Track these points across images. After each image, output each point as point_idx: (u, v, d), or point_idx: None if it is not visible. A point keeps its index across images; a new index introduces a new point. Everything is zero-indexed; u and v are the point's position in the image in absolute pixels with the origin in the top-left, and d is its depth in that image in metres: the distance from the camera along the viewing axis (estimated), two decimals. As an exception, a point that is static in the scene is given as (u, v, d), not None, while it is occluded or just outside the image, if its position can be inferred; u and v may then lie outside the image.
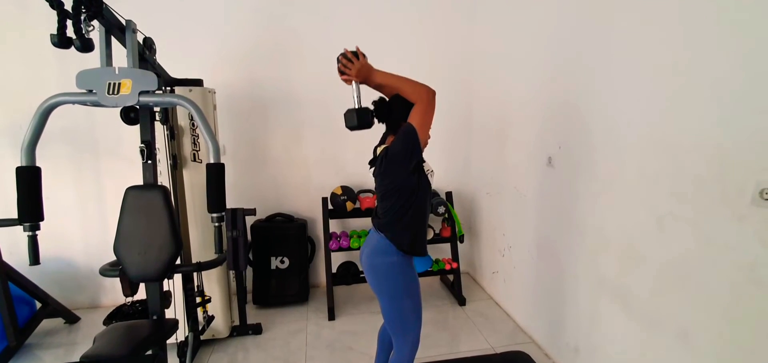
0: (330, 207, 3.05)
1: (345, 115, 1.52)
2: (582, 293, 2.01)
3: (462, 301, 3.00)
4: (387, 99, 1.57)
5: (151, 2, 2.72)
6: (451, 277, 3.15)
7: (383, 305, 1.58)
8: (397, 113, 1.51)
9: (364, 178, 3.29)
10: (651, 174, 1.58)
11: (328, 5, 3.01)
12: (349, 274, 2.96)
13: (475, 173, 3.34)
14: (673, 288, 1.49)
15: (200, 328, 2.18)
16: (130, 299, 2.02)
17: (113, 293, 2.99)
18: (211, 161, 1.73)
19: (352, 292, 3.20)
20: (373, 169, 1.62)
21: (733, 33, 1.25)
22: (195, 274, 2.15)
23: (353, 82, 1.49)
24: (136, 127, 1.90)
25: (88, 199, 2.88)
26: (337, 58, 1.50)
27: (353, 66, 1.44)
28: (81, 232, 2.89)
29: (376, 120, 1.55)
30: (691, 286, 1.41)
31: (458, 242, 3.09)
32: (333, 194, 3.03)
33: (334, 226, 3.27)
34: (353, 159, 3.26)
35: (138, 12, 1.77)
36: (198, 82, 2.35)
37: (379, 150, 1.58)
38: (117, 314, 2.52)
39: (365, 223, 3.27)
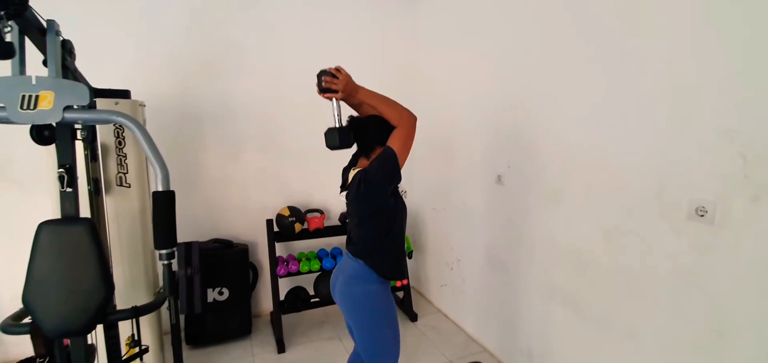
0: (275, 229, 2.85)
1: (326, 134, 1.46)
2: (534, 301, 2.17)
3: (413, 317, 3.04)
4: (361, 119, 1.53)
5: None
6: (401, 293, 3.17)
7: (360, 335, 1.51)
8: (373, 134, 1.49)
9: (309, 196, 3.16)
10: (597, 191, 1.78)
11: (270, 15, 2.85)
12: (298, 301, 2.79)
13: (419, 189, 3.43)
14: (620, 293, 1.69)
15: (136, 384, 1.85)
16: (41, 360, 1.63)
17: (0, 347, 2.40)
18: (160, 189, 1.50)
19: (300, 319, 3.02)
20: (344, 193, 1.55)
21: (668, 70, 1.48)
22: (132, 321, 1.81)
23: (334, 99, 1.44)
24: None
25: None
26: (318, 76, 1.43)
27: (340, 81, 1.39)
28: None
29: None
30: (637, 290, 1.62)
31: (407, 258, 3.12)
32: (279, 215, 2.84)
33: (278, 249, 3.07)
34: (297, 177, 3.11)
35: (40, 3, 1.45)
36: (125, 94, 2.04)
37: (351, 174, 1.52)
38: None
39: (312, 244, 3.13)
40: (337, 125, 1.45)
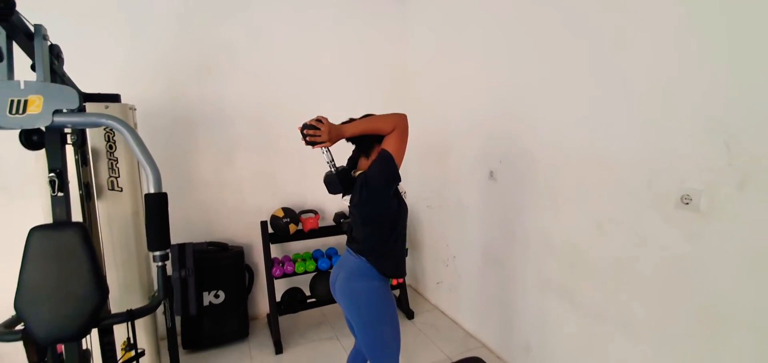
0: (270, 231, 2.85)
1: (325, 182, 1.55)
2: (530, 295, 2.19)
3: (410, 315, 3.04)
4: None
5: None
6: (397, 291, 3.17)
7: (361, 332, 1.52)
8: (369, 136, 1.49)
9: (304, 197, 3.16)
10: (589, 185, 1.80)
11: (259, 18, 2.85)
12: (295, 302, 2.79)
13: (414, 186, 3.43)
14: (614, 284, 1.71)
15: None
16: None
17: (-12, 361, 2.37)
18: (152, 191, 1.49)
19: (296, 320, 3.01)
20: (348, 196, 1.56)
21: (655, 64, 1.50)
22: (127, 324, 1.81)
23: (323, 148, 1.45)
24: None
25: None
26: (301, 132, 1.43)
27: (322, 132, 1.38)
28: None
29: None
30: (630, 281, 1.64)
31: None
32: (273, 217, 2.84)
33: (273, 251, 3.06)
34: (292, 178, 3.10)
35: (27, 9, 1.45)
36: (115, 98, 2.03)
37: (354, 174, 1.54)
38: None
39: (308, 245, 3.13)
40: (334, 171, 1.51)
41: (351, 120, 1.54)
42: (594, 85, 1.74)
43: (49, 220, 1.58)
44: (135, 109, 2.14)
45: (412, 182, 3.43)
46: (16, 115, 1.29)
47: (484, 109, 2.45)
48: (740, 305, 1.31)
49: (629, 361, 1.68)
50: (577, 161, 1.84)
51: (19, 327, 1.50)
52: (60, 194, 1.58)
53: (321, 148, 1.44)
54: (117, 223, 2.00)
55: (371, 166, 1.43)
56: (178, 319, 2.69)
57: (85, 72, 2.19)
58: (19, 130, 1.44)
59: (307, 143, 1.42)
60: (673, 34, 1.43)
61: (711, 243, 1.36)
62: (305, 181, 3.14)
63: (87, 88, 2.00)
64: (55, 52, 1.58)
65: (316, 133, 1.39)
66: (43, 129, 1.49)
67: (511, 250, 2.30)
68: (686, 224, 1.42)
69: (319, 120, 1.40)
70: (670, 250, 1.48)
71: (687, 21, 1.38)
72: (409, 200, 3.47)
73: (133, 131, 1.48)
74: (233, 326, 2.73)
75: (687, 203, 1.41)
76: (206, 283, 2.66)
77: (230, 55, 2.80)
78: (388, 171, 1.39)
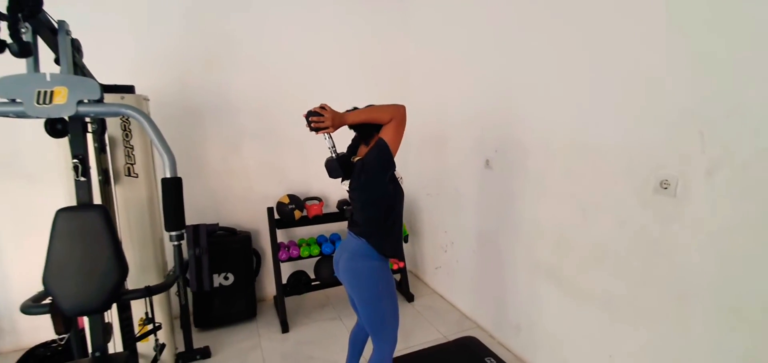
0: (276, 217, 2.97)
1: (327, 166, 1.66)
2: (521, 278, 2.30)
3: (410, 298, 3.17)
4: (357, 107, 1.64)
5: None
6: (398, 276, 3.30)
7: (363, 308, 1.63)
8: (369, 124, 1.60)
9: (309, 185, 3.27)
10: (575, 173, 1.89)
11: (264, 11, 2.94)
12: (300, 284, 2.92)
13: (414, 176, 3.53)
14: (597, 265, 1.82)
15: (153, 358, 1.99)
16: (60, 337, 1.75)
17: (14, 336, 2.52)
18: (168, 176, 1.62)
19: (302, 302, 3.15)
20: (347, 182, 1.67)
21: (637, 59, 1.58)
22: (146, 300, 1.94)
23: (326, 134, 1.55)
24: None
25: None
26: (306, 118, 1.52)
27: (326, 118, 1.48)
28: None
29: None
30: (612, 261, 1.74)
31: (403, 242, 3.24)
32: (279, 203, 2.96)
33: (279, 236, 3.19)
34: (296, 166, 3.22)
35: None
36: (130, 89, 2.14)
37: (354, 160, 1.65)
38: (28, 359, 2.17)
39: (312, 230, 3.25)
40: (335, 156, 1.62)
41: (355, 108, 1.64)
42: (581, 81, 1.82)
43: (68, 204, 1.70)
44: (148, 100, 2.24)
45: (412, 171, 3.53)
46: (43, 105, 1.40)
47: (481, 101, 2.54)
48: (706, 282, 1.40)
49: (609, 337, 1.79)
50: (565, 152, 1.93)
51: (47, 301, 1.64)
52: (83, 178, 1.70)
53: (324, 134, 1.55)
54: (133, 207, 2.12)
55: (368, 153, 1.54)
56: (190, 297, 2.84)
57: (98, 64, 2.31)
58: (44, 120, 1.57)
59: (312, 129, 1.52)
60: (654, 33, 1.51)
61: (682, 225, 1.45)
62: (309, 170, 3.25)
63: (103, 78, 2.11)
64: (75, 46, 1.69)
65: (320, 119, 1.49)
66: (67, 118, 1.61)
67: (505, 236, 2.40)
68: (663, 208, 1.51)
69: (322, 107, 1.50)
70: (647, 232, 1.57)
71: (668, 20, 1.46)
72: (409, 189, 3.57)
73: (150, 120, 1.60)
74: (241, 307, 2.87)
75: (665, 188, 1.51)
76: (216, 265, 2.79)
77: (236, 48, 2.90)
78: (383, 158, 1.49)
